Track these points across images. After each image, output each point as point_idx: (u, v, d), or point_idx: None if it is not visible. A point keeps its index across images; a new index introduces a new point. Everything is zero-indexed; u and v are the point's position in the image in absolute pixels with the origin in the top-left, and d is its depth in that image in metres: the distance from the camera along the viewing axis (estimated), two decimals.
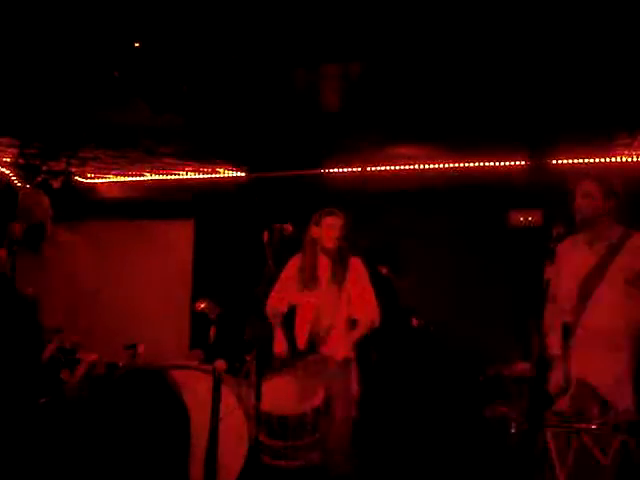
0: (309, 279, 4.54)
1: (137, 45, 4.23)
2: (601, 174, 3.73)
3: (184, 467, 3.76)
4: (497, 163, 6.73)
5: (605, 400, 3.35)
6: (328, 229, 4.52)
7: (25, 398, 3.93)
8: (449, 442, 3.69)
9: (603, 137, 5.96)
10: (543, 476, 3.31)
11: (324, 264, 4.57)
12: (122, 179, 7.79)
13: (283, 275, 4.65)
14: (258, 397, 3.56)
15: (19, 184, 7.40)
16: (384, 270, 4.85)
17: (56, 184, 7.27)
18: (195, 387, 4.00)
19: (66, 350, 4.23)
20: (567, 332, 3.51)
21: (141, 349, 4.88)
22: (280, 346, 4.53)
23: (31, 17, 4.20)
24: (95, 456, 3.80)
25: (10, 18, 4.19)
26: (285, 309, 4.61)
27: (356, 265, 4.59)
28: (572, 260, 3.67)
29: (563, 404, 3.45)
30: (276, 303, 4.57)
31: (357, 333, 4.49)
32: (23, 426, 3.85)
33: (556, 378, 3.52)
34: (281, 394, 4.15)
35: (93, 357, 4.36)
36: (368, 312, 4.49)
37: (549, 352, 3.53)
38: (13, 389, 3.90)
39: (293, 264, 4.68)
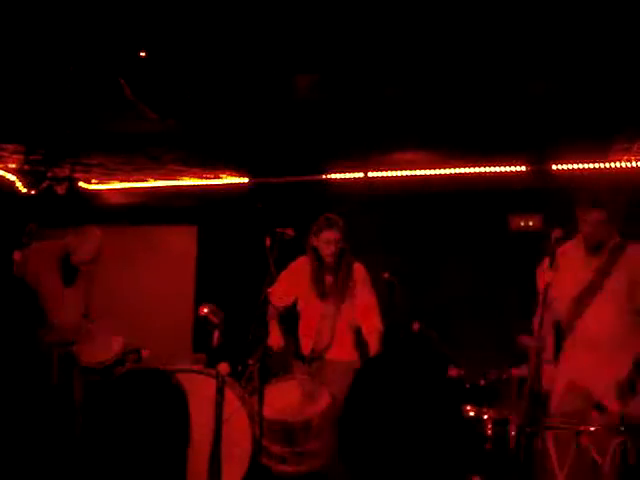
0: (317, 289, 4.53)
1: (142, 54, 4.28)
2: (604, 198, 3.70)
3: (182, 467, 3.79)
4: (498, 168, 6.76)
5: (599, 402, 3.40)
6: (326, 244, 4.47)
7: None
8: (447, 445, 3.72)
9: (602, 142, 6.00)
10: (542, 478, 3.34)
11: (327, 273, 4.58)
12: (126, 185, 7.84)
13: (285, 273, 4.60)
14: (261, 401, 3.59)
15: (24, 190, 7.46)
16: (386, 275, 4.87)
17: (60, 190, 7.31)
18: (199, 390, 4.03)
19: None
20: (560, 336, 3.57)
21: (145, 354, 4.90)
22: (275, 340, 4.45)
23: (37, 25, 4.26)
24: (94, 454, 3.86)
25: (16, 25, 4.26)
26: (290, 302, 4.59)
27: (359, 272, 4.59)
28: (571, 266, 3.70)
29: (561, 406, 3.50)
30: (282, 296, 4.52)
31: (373, 346, 4.41)
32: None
33: (547, 379, 3.57)
34: (285, 400, 4.15)
35: None
36: (372, 320, 4.48)
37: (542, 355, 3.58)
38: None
39: (296, 265, 4.67)
